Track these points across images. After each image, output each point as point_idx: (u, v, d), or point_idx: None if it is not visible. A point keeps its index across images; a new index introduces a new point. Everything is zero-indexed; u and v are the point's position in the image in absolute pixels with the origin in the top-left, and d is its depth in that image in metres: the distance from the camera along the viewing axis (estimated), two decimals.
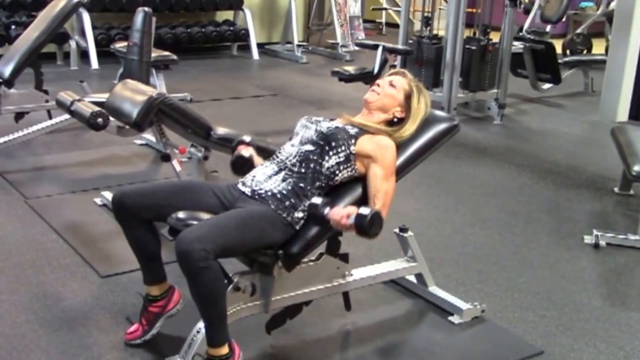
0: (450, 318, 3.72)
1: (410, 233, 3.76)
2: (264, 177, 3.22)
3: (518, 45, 8.64)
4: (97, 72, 9.27)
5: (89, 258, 4.20)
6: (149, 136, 6.12)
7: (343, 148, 3.22)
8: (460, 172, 6.17)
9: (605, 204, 5.59)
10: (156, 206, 3.13)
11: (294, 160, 3.21)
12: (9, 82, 5.83)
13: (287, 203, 3.12)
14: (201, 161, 4.30)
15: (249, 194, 3.18)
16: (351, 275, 3.51)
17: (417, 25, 10.67)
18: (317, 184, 3.19)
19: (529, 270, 4.37)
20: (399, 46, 7.99)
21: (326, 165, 3.20)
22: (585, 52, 10.45)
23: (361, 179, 3.27)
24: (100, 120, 4.32)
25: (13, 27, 9.08)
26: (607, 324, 3.79)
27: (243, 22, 11.23)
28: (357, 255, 3.79)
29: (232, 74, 10.04)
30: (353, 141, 3.25)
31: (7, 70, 5.81)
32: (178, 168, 4.40)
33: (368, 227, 2.91)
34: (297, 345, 3.46)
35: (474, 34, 8.27)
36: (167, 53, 6.54)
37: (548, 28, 9.65)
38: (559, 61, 9.02)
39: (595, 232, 4.74)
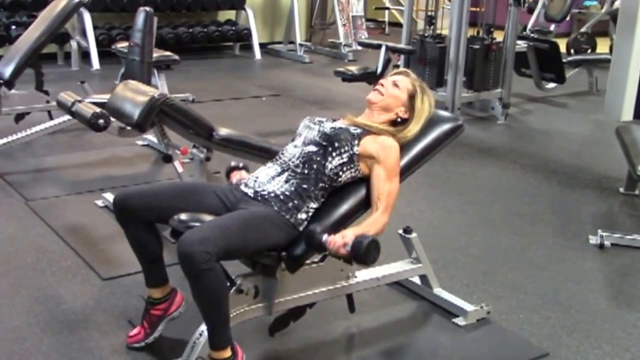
0: (455, 320, 3.70)
1: (414, 234, 3.73)
2: (267, 178, 3.20)
3: (522, 45, 8.60)
4: (98, 73, 9.27)
5: (90, 260, 4.19)
6: (150, 137, 6.10)
7: (346, 149, 3.20)
8: (465, 173, 6.15)
9: (611, 204, 5.58)
10: (158, 208, 3.11)
11: (297, 162, 3.19)
12: (9, 83, 5.80)
13: (290, 204, 3.09)
14: (203, 162, 4.27)
15: (252, 195, 3.16)
16: (355, 277, 3.49)
17: (420, 25, 10.64)
18: (321, 185, 3.17)
19: (534, 271, 4.34)
20: (402, 45, 7.97)
21: (329, 166, 3.18)
22: (589, 51, 10.42)
23: (365, 180, 3.25)
24: (101, 121, 4.29)
25: (13, 27, 9.08)
26: (613, 326, 3.76)
27: (245, 22, 11.23)
28: None
29: (234, 74, 10.03)
30: (356, 142, 3.23)
31: (8, 71, 5.79)
32: (180, 169, 4.38)
33: (364, 256, 2.90)
34: (301, 348, 3.44)
35: (478, 33, 8.22)
36: (168, 53, 6.50)
37: (552, 27, 9.62)
38: (563, 60, 8.98)
39: (600, 232, 4.72)
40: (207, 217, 2.96)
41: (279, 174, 3.19)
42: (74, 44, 9.58)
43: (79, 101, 4.51)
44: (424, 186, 5.55)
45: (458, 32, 7.46)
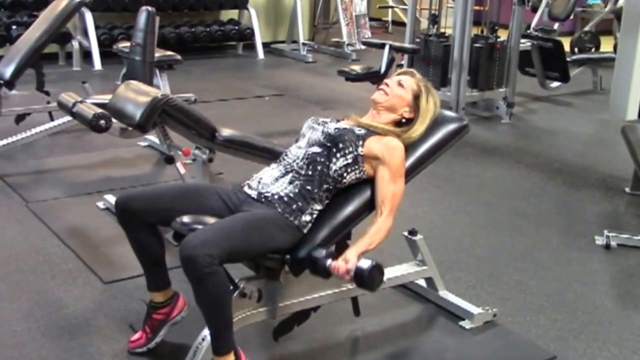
0: (461, 323, 3.68)
1: (419, 236, 3.71)
2: (271, 180, 3.17)
3: (526, 43, 8.57)
4: (100, 73, 9.23)
5: (92, 263, 4.16)
6: (152, 138, 6.07)
7: (350, 149, 3.17)
8: (469, 173, 6.13)
9: (617, 205, 5.56)
10: (160, 210, 3.09)
11: (301, 163, 3.16)
12: (10, 83, 5.76)
13: (294, 206, 3.07)
14: (206, 163, 4.25)
15: (255, 197, 3.14)
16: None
17: (424, 24, 10.61)
18: (325, 186, 3.15)
19: (540, 272, 4.32)
20: (406, 45, 7.94)
21: (334, 167, 3.15)
22: (593, 50, 10.40)
23: (370, 181, 3.22)
24: (102, 122, 4.27)
25: (14, 27, 9.03)
26: (620, 327, 3.74)
27: (248, 21, 11.20)
28: None
29: (237, 74, 10.02)
30: (361, 142, 3.20)
31: (8, 71, 5.75)
32: (182, 170, 4.36)
33: (367, 284, 2.93)
34: (305, 352, 3.42)
35: (482, 31, 8.20)
36: (170, 53, 6.47)
37: (556, 26, 9.61)
38: (568, 59, 8.95)
39: (606, 233, 4.69)
40: (210, 220, 2.94)
41: (283, 176, 3.17)
42: (75, 43, 9.55)
43: (80, 102, 4.50)
44: (428, 187, 5.51)
45: (462, 31, 7.43)
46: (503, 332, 3.64)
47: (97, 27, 9.60)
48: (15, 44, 6.21)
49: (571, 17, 10.13)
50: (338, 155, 3.15)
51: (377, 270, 2.91)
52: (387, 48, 7.01)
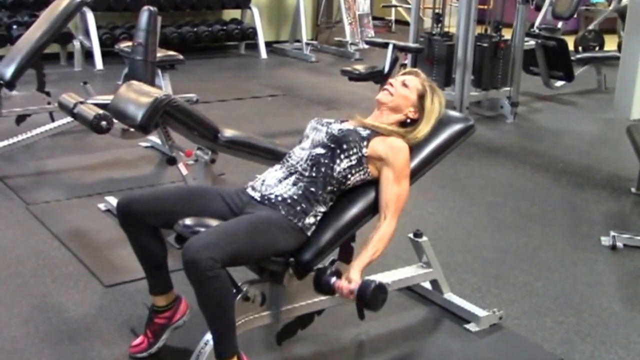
0: (466, 326, 3.65)
1: (424, 238, 3.68)
2: (274, 182, 3.15)
3: (530, 42, 8.55)
4: (102, 73, 9.23)
5: (92, 267, 4.13)
6: (154, 138, 6.04)
7: (355, 151, 3.15)
8: (474, 173, 6.10)
9: (622, 205, 5.55)
10: (163, 212, 3.07)
11: (305, 164, 3.14)
12: (10, 84, 5.74)
13: (298, 208, 3.04)
14: (208, 164, 4.24)
15: (259, 199, 3.12)
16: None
17: (427, 23, 10.59)
18: (329, 188, 3.12)
19: (546, 274, 4.29)
20: (410, 44, 7.91)
21: (338, 168, 3.12)
22: (597, 48, 10.39)
23: (374, 183, 3.20)
24: (104, 123, 4.25)
25: (15, 27, 9.05)
26: (627, 330, 3.71)
27: (250, 21, 11.20)
28: None
29: (239, 74, 10.01)
30: (365, 143, 3.18)
31: (9, 72, 5.73)
32: (184, 171, 4.34)
33: (370, 306, 2.93)
34: (309, 356, 3.40)
35: (486, 30, 8.18)
36: (173, 53, 6.47)
37: (559, 24, 9.58)
38: (572, 58, 8.93)
39: (612, 233, 4.67)
40: (213, 222, 2.92)
41: (286, 177, 3.15)
42: (76, 43, 9.55)
43: (81, 102, 4.47)
44: (433, 187, 5.48)
45: (466, 29, 7.40)
46: (509, 335, 3.61)
47: (98, 27, 9.61)
48: (16, 44, 6.19)
49: (575, 15, 10.10)
50: (342, 156, 3.13)
51: (379, 291, 2.90)
52: (390, 47, 6.99)
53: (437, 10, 8.43)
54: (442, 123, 3.41)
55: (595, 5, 12.85)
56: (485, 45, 7.75)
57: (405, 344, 3.56)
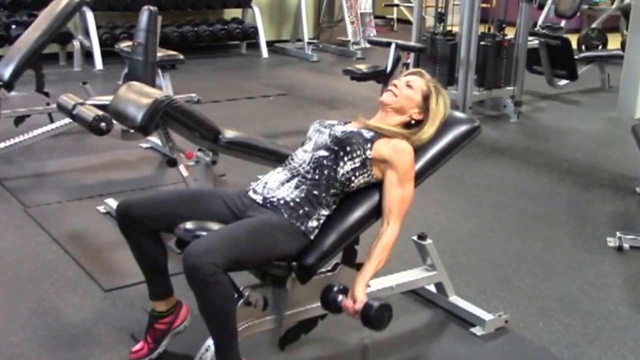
0: (472, 329, 3.62)
1: (429, 241, 3.64)
2: (276, 184, 3.11)
3: (533, 41, 8.52)
4: (101, 73, 9.24)
5: (92, 270, 4.10)
6: (154, 140, 6.00)
7: (358, 153, 3.11)
8: (478, 174, 6.08)
9: (628, 205, 5.51)
10: (163, 216, 3.04)
11: (308, 167, 3.10)
12: (9, 85, 5.72)
13: (301, 211, 3.01)
14: (209, 166, 4.22)
15: (261, 202, 3.08)
16: (369, 286, 3.33)
17: (430, 21, 10.56)
18: (332, 191, 3.08)
19: (552, 276, 4.26)
20: (413, 43, 7.89)
21: (341, 171, 3.08)
22: (600, 47, 10.38)
23: (378, 185, 3.16)
24: (103, 124, 4.22)
25: (13, 27, 9.05)
26: (635, 333, 3.68)
27: (252, 20, 11.21)
28: None
29: (240, 73, 10.00)
30: (369, 145, 3.14)
31: (7, 72, 5.71)
32: (185, 173, 4.31)
33: (375, 326, 2.93)
34: None
35: (489, 29, 8.17)
36: (173, 53, 6.47)
37: (563, 23, 9.56)
38: (575, 57, 8.90)
39: (618, 234, 4.63)
40: (214, 226, 2.89)
41: (289, 180, 3.11)
42: (76, 43, 9.55)
43: (80, 104, 4.43)
44: (437, 188, 5.43)
45: (469, 28, 7.38)
46: (515, 339, 3.58)
47: (98, 27, 9.62)
48: (15, 44, 6.16)
49: (577, 14, 10.09)
50: (346, 159, 3.09)
51: (383, 310, 2.90)
52: (393, 47, 6.94)
53: (439, 9, 8.41)
54: (447, 124, 3.37)
55: (597, 4, 12.86)
56: (489, 44, 7.74)
57: (409, 348, 3.52)
